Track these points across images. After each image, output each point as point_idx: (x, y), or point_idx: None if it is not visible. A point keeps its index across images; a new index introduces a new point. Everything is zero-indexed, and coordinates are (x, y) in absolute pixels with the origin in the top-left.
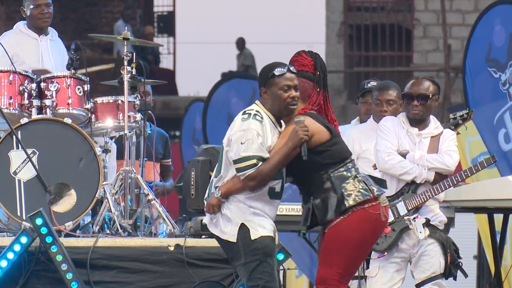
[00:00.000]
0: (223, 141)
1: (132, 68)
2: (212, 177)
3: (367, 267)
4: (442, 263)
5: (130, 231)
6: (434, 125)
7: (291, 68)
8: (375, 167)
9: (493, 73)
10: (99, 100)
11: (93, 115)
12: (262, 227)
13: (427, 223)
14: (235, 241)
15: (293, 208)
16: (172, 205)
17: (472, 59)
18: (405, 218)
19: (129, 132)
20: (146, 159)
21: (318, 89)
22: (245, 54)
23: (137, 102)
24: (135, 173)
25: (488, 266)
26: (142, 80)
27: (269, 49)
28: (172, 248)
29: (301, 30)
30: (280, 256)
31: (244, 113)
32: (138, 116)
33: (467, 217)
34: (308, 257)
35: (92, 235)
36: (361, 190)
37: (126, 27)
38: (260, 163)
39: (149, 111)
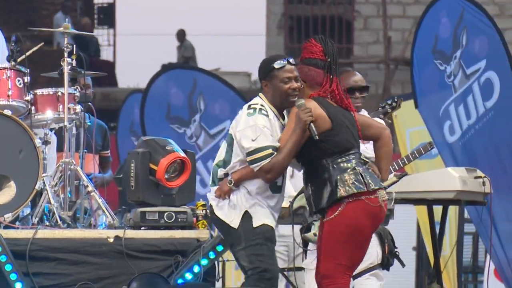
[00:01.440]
0: (229, 133)
1: (72, 60)
2: (213, 167)
3: (306, 258)
4: (379, 254)
5: (70, 222)
6: (364, 113)
7: (291, 60)
8: None
9: (439, 65)
10: (39, 92)
11: (33, 107)
12: (264, 216)
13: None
14: (236, 227)
15: None
16: (112, 196)
17: (419, 51)
18: None
19: (69, 124)
20: (85, 150)
21: (329, 75)
22: (185, 46)
23: (77, 94)
24: (74, 164)
25: (427, 257)
26: (82, 72)
27: (210, 40)
28: (111, 240)
29: (242, 21)
30: (219, 248)
31: (249, 108)
32: (78, 107)
33: (407, 209)
34: None
35: (31, 227)
36: (355, 182)
37: (66, 19)
38: (275, 153)
39: (89, 103)
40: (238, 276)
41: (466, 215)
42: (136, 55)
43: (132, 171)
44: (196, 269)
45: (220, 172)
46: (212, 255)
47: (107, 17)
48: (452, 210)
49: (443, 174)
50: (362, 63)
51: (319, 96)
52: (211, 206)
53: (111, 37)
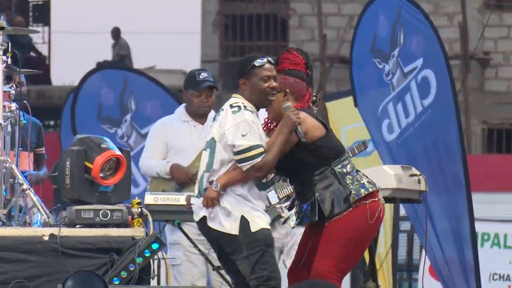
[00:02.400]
0: (212, 137)
1: (7, 58)
2: (200, 172)
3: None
4: None
5: (4, 220)
6: None
7: (270, 59)
8: None
9: (378, 63)
10: None
11: None
12: (260, 219)
13: (300, 213)
14: (237, 233)
15: (169, 198)
16: (47, 194)
17: (358, 49)
18: (277, 206)
19: (4, 122)
20: (21, 148)
21: (309, 88)
22: (120, 44)
23: (12, 91)
24: (9, 162)
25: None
26: (18, 69)
27: (145, 39)
28: (46, 238)
29: (177, 20)
30: (155, 246)
31: (232, 107)
32: (13, 105)
33: None
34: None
35: None
36: (366, 184)
37: (1, 17)
38: (264, 152)
39: (24, 101)
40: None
41: (401, 213)
42: (71, 53)
43: (67, 169)
44: (131, 267)
45: (206, 181)
46: (147, 253)
47: (42, 14)
48: (388, 208)
49: (378, 172)
50: None
51: (303, 108)
52: (203, 218)
53: (46, 34)
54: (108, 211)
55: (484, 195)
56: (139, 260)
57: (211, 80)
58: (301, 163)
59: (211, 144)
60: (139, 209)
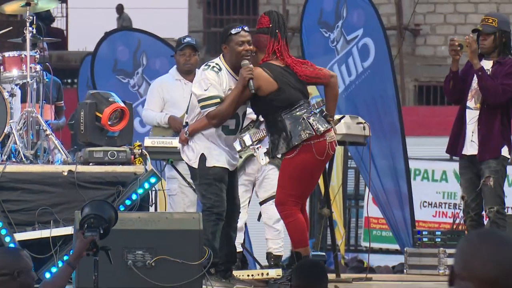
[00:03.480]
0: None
1: (33, 29)
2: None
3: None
4: None
5: (32, 159)
6: None
7: (245, 28)
8: None
9: (324, 33)
10: (6, 54)
11: (2, 67)
12: (216, 159)
13: (268, 152)
14: (196, 167)
15: (164, 141)
16: (66, 138)
17: (307, 21)
18: (250, 147)
19: (31, 80)
20: (44, 102)
21: (272, 39)
22: (123, 18)
23: (37, 56)
24: (35, 113)
25: (319, 187)
26: (41, 38)
27: (143, 13)
28: (65, 173)
29: None
30: (152, 179)
31: (205, 65)
32: (38, 67)
33: None
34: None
35: (1, 163)
36: (305, 130)
37: None
38: (221, 102)
39: (47, 63)
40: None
41: (350, 153)
42: (84, 24)
43: (81, 118)
44: (134, 197)
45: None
46: (147, 185)
47: None
48: (339, 149)
49: None
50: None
51: (266, 62)
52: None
53: (63, 10)
54: (115, 152)
55: (415, 139)
56: (140, 191)
57: (192, 42)
58: (261, 113)
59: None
60: (140, 150)
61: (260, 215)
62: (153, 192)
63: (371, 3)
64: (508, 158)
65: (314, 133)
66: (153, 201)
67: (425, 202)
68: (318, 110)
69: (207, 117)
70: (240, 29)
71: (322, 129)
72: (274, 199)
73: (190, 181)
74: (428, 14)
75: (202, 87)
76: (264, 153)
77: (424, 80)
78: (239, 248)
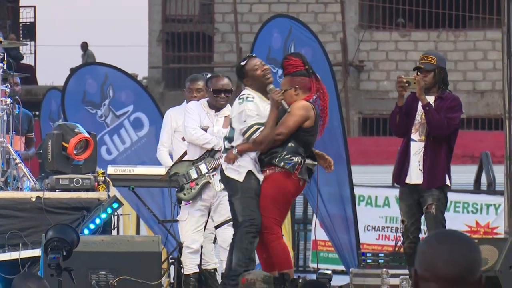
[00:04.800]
0: (231, 117)
1: (4, 65)
2: (223, 140)
3: (179, 213)
4: None
5: (2, 186)
6: (227, 108)
7: (252, 55)
8: (183, 139)
9: (272, 68)
10: None
11: None
12: (259, 177)
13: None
14: (241, 180)
15: (125, 169)
16: (34, 166)
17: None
18: (206, 175)
19: (1, 112)
20: (14, 133)
21: (313, 78)
22: (88, 54)
23: (8, 90)
24: (6, 143)
25: None
26: (11, 73)
27: (106, 50)
28: (33, 199)
29: (130, 36)
30: (115, 205)
31: (239, 98)
32: (8, 100)
33: None
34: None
35: None
36: (289, 163)
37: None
38: (261, 127)
39: (17, 97)
40: (128, 226)
41: None
42: (51, 60)
43: (49, 147)
44: (97, 221)
45: (228, 145)
46: (109, 210)
47: (30, 32)
48: None
49: None
50: (220, 67)
51: (310, 99)
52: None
53: (32, 47)
54: (80, 179)
55: (360, 167)
56: (103, 215)
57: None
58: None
59: (231, 123)
60: (103, 178)
61: (215, 238)
62: (116, 217)
63: (318, 41)
64: (449, 186)
65: (295, 171)
66: (116, 225)
67: (369, 226)
68: None
69: (255, 144)
70: (248, 59)
71: (300, 175)
72: (229, 223)
73: (148, 206)
74: (371, 51)
75: (240, 120)
76: (219, 180)
77: (368, 112)
78: (195, 269)
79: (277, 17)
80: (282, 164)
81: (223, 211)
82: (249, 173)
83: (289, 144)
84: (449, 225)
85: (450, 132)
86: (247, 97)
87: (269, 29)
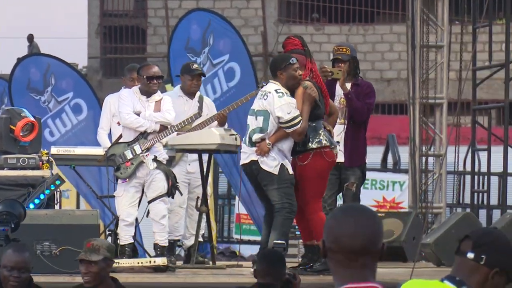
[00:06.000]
0: (264, 109)
1: None
2: (248, 131)
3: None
4: (165, 186)
5: None
6: (158, 94)
7: (296, 58)
8: (119, 123)
9: (191, 57)
10: None
11: None
12: (290, 168)
13: (155, 159)
14: (277, 173)
15: (67, 150)
16: None
17: (175, 47)
18: (140, 155)
19: None
20: None
21: (307, 59)
22: (33, 46)
23: None
24: None
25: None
26: None
27: (49, 42)
28: None
29: (71, 28)
30: (58, 182)
31: (277, 92)
32: None
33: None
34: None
35: None
36: (321, 139)
37: None
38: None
39: None
40: (67, 202)
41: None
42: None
43: None
44: (42, 196)
45: (256, 136)
46: (52, 187)
47: None
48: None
49: (209, 132)
50: (152, 57)
51: (306, 79)
52: (256, 161)
53: None
54: (26, 159)
55: None
56: (47, 191)
57: (203, 71)
58: None
59: (264, 114)
60: (47, 157)
61: (148, 212)
62: (58, 193)
63: (237, 32)
64: (365, 163)
65: (328, 144)
66: (58, 200)
67: None
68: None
69: (295, 134)
70: (296, 60)
71: (332, 144)
72: (160, 198)
73: (88, 183)
74: None
75: (285, 111)
76: (152, 159)
77: None
78: (130, 240)
79: (196, 11)
80: (316, 145)
81: (155, 187)
82: (282, 166)
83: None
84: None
85: (368, 116)
86: (286, 93)
87: (188, 21)
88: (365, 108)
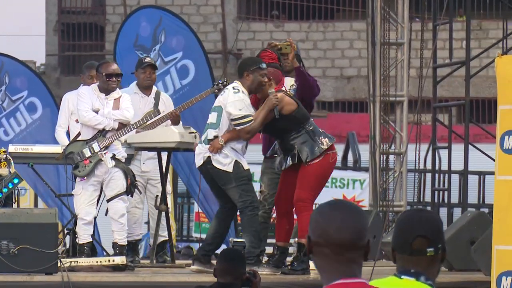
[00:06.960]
0: (219, 105)
1: None
2: (206, 127)
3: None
4: (124, 184)
5: None
6: (116, 92)
7: (263, 62)
8: (77, 121)
9: (140, 54)
10: None
11: None
12: (246, 164)
13: (114, 157)
14: (231, 171)
15: (25, 148)
16: None
17: (122, 44)
18: (99, 153)
19: None
20: None
21: (282, 74)
22: None
23: None
24: None
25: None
26: None
27: (6, 39)
28: None
29: (29, 26)
30: (16, 180)
31: (234, 88)
32: None
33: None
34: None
35: None
36: (326, 140)
37: None
38: (252, 120)
39: None
40: (24, 199)
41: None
42: None
43: None
44: None
45: (211, 134)
46: (10, 185)
47: None
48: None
49: (168, 130)
50: (111, 55)
51: (280, 89)
52: (208, 157)
53: None
54: None
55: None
56: (5, 190)
57: (153, 62)
58: (284, 129)
59: (218, 110)
60: (5, 155)
61: (107, 211)
62: (16, 191)
63: (191, 29)
64: None
65: (333, 141)
66: (16, 199)
67: None
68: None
69: (242, 132)
70: (265, 65)
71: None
72: (119, 197)
73: (46, 181)
74: (248, 40)
75: (237, 107)
76: (111, 157)
77: None
78: (89, 239)
79: (145, 8)
80: (319, 152)
81: (114, 186)
82: (236, 162)
83: (303, 132)
84: (319, 199)
85: (315, 96)
86: (243, 91)
87: (137, 18)
88: (315, 84)
